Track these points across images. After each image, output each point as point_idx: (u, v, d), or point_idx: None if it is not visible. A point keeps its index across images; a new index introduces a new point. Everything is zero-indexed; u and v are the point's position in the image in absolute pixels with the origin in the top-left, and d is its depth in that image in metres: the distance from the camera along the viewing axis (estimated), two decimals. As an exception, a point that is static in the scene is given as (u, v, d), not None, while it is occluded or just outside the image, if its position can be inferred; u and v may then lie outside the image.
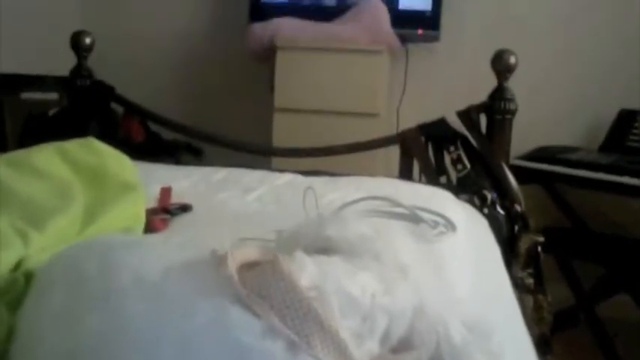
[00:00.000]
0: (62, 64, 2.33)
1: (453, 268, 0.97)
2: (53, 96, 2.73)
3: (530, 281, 1.69)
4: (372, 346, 0.65)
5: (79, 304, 0.65)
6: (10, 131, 3.05)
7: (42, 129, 2.76)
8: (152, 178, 1.57)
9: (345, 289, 0.65)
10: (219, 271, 0.62)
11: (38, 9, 2.96)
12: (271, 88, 2.62)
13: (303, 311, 0.60)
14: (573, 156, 2.50)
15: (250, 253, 0.67)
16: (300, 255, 0.69)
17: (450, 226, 1.27)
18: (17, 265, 0.83)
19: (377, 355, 0.65)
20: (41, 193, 1.09)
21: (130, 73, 2.99)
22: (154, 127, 2.42)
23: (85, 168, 1.24)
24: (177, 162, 2.33)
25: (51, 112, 2.76)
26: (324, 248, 0.79)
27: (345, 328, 0.62)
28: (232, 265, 0.62)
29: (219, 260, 0.63)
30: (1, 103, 3.10)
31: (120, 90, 2.36)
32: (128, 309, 0.62)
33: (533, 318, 1.65)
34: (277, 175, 1.79)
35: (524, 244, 1.71)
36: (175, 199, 1.48)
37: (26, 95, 3.10)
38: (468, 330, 0.69)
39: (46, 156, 1.25)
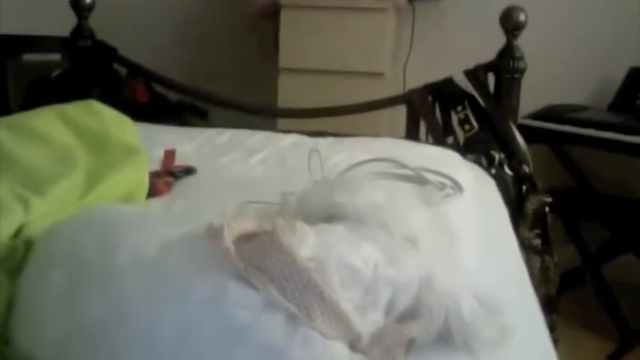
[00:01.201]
0: (65, 24, 2.29)
1: (461, 232, 0.95)
2: (55, 57, 2.70)
3: (537, 242, 1.68)
4: (376, 317, 0.63)
5: (79, 286, 0.64)
6: (13, 93, 3.03)
7: (45, 91, 2.74)
8: (156, 141, 1.56)
9: (346, 261, 0.63)
10: (216, 245, 0.60)
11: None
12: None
13: (303, 283, 0.58)
14: (582, 115, 2.46)
15: (248, 224, 0.65)
16: (300, 225, 0.67)
17: (457, 187, 1.25)
18: (18, 232, 0.82)
19: (382, 325, 0.63)
20: (43, 158, 1.08)
21: (132, 35, 2.94)
22: (158, 88, 2.40)
23: (87, 132, 1.22)
24: (182, 123, 2.31)
25: (54, 74, 2.74)
26: (331, 215, 0.77)
27: (347, 299, 0.61)
28: (229, 238, 0.61)
29: (215, 234, 0.62)
30: (3, 65, 3.07)
31: (123, 52, 2.32)
32: (127, 293, 0.61)
33: (539, 279, 1.65)
34: (282, 136, 1.77)
35: (531, 204, 1.70)
36: (179, 161, 1.46)
37: (28, 57, 3.07)
38: (478, 303, 0.68)
39: (47, 120, 1.23)
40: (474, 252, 0.99)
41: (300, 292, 0.58)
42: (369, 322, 0.62)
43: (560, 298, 1.83)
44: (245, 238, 0.63)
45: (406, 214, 0.75)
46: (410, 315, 0.66)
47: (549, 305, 1.66)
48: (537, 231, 1.69)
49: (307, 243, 0.64)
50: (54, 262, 0.68)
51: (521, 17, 1.88)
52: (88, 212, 0.77)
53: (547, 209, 1.71)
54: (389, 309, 0.65)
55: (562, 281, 1.83)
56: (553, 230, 1.78)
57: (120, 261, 0.63)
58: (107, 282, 0.62)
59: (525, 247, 1.61)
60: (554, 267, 1.70)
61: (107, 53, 2.27)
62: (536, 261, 1.66)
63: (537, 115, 2.50)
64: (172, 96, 2.46)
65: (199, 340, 0.57)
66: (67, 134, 1.21)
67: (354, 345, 0.59)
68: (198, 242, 0.63)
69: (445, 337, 0.66)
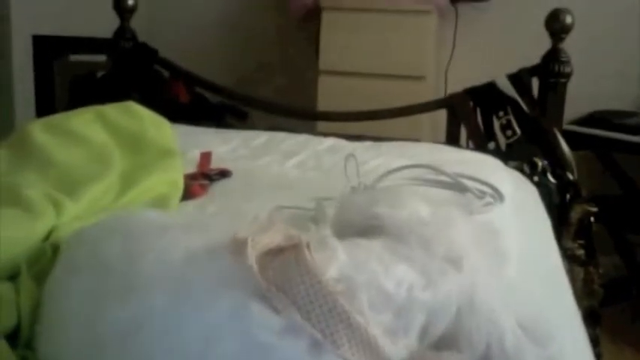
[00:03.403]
0: (111, 26, 2.32)
1: (504, 246, 0.91)
2: (101, 58, 2.75)
3: (580, 252, 1.63)
4: (409, 342, 0.59)
5: (102, 293, 0.63)
6: (59, 93, 3.09)
7: (90, 91, 2.79)
8: (193, 142, 1.56)
9: (377, 282, 0.60)
10: (239, 260, 0.58)
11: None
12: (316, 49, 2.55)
13: (329, 307, 0.55)
14: (630, 121, 2.38)
15: (274, 237, 0.62)
16: (331, 240, 0.64)
17: (498, 195, 1.21)
18: (48, 235, 0.82)
19: (415, 351, 0.60)
20: (78, 159, 1.08)
21: (177, 35, 2.98)
22: (199, 89, 2.41)
23: (124, 133, 1.23)
24: (223, 124, 2.32)
25: (99, 74, 2.78)
26: (369, 226, 0.73)
27: (377, 323, 0.58)
28: (252, 254, 0.58)
29: (239, 248, 0.59)
30: (50, 66, 3.14)
31: (165, 53, 2.34)
32: (150, 302, 0.60)
33: (582, 291, 1.59)
34: (319, 139, 1.76)
35: (575, 214, 1.65)
36: (215, 163, 1.46)
37: (75, 57, 3.13)
38: (524, 332, 0.63)
39: (86, 121, 1.24)
40: (515, 265, 0.95)
41: (326, 317, 0.55)
42: (400, 348, 0.58)
43: (602, 310, 1.77)
44: (271, 254, 0.60)
45: (450, 231, 0.71)
46: (448, 342, 0.62)
47: (592, 318, 1.61)
48: (581, 241, 1.64)
49: (337, 261, 0.61)
50: (78, 268, 0.67)
51: (568, 20, 1.83)
52: (113, 218, 0.76)
53: (592, 219, 1.66)
54: (423, 334, 0.62)
55: (606, 292, 1.76)
56: (597, 239, 1.72)
57: (143, 269, 0.62)
58: (130, 290, 0.61)
59: (568, 257, 1.56)
60: (598, 279, 1.64)
61: (148, 55, 2.29)
62: (579, 272, 1.60)
63: (583, 121, 2.43)
64: (213, 97, 2.46)
65: (221, 352, 0.55)
66: (105, 135, 1.22)
67: (384, 372, 0.56)
68: (221, 256, 0.61)
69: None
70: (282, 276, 0.57)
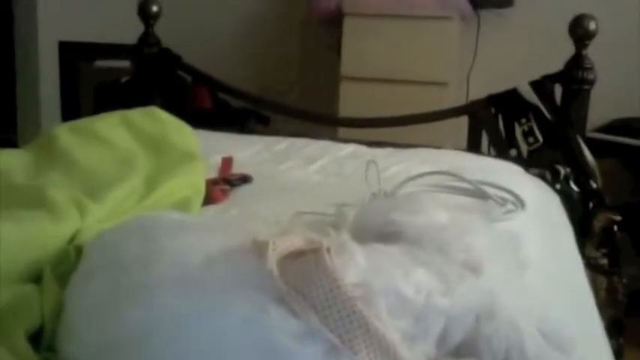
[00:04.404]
0: (135, 32, 2.35)
1: (524, 253, 0.91)
2: (125, 64, 2.78)
3: (604, 262, 1.61)
4: (427, 348, 0.60)
5: (117, 296, 0.64)
6: (84, 97, 3.14)
7: (114, 96, 2.82)
8: (215, 147, 1.57)
9: (396, 287, 0.60)
10: (259, 263, 0.58)
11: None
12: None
13: (347, 312, 0.55)
14: (654, 129, 2.36)
15: (295, 240, 0.62)
16: (351, 245, 0.64)
17: (519, 203, 1.21)
18: (72, 237, 0.83)
19: (433, 357, 0.60)
20: (103, 162, 1.09)
21: (198, 40, 3.00)
22: (221, 94, 2.42)
23: (147, 137, 1.24)
24: (245, 130, 2.33)
25: (123, 80, 2.81)
26: (388, 233, 0.73)
27: (395, 328, 0.57)
28: (272, 257, 0.58)
29: (259, 250, 0.59)
30: (76, 71, 3.19)
31: (189, 57, 2.35)
32: (165, 301, 0.60)
33: (606, 300, 1.57)
34: (340, 145, 1.76)
35: (598, 222, 1.63)
36: (237, 168, 1.47)
37: (100, 63, 3.18)
38: (544, 338, 0.63)
39: (110, 124, 1.26)
40: (535, 272, 0.95)
41: (344, 322, 0.55)
42: (418, 354, 0.58)
43: (626, 320, 1.74)
44: (291, 257, 0.61)
45: (470, 237, 0.71)
46: (467, 348, 0.62)
47: (616, 328, 1.59)
48: (604, 250, 1.62)
49: (355, 266, 0.61)
50: (95, 270, 0.68)
51: (592, 26, 1.81)
52: (133, 221, 0.77)
53: (616, 227, 1.64)
54: (441, 340, 0.61)
55: (630, 303, 1.74)
56: (621, 248, 1.70)
57: (159, 272, 0.63)
58: (145, 293, 0.61)
59: (591, 266, 1.54)
60: (622, 288, 1.62)
61: (172, 61, 2.31)
62: (603, 282, 1.58)
63: (607, 129, 2.41)
64: (234, 102, 2.48)
65: (233, 355, 0.55)
66: (129, 139, 1.24)
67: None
68: (241, 259, 0.61)
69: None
70: (302, 279, 0.57)
